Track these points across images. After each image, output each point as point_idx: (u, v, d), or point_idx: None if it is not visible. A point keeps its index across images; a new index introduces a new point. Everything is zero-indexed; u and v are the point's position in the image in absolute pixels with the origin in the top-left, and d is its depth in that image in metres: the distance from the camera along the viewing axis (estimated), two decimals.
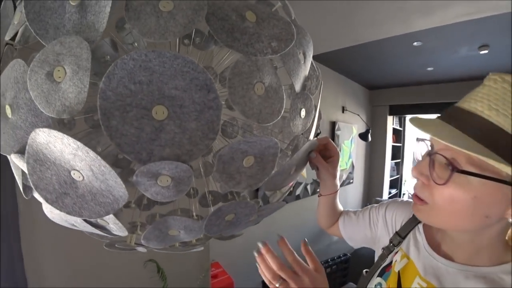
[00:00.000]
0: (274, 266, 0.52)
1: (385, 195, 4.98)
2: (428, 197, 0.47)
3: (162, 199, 0.39)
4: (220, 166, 0.41)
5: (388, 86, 4.64)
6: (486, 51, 2.60)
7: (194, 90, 0.34)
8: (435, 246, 0.57)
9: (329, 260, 2.43)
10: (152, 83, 0.32)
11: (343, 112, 3.95)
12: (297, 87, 0.48)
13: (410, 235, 0.64)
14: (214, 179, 0.61)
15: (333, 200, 0.87)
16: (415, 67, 3.39)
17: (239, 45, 0.37)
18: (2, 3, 0.45)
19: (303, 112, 0.49)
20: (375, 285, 0.66)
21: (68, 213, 0.37)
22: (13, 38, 0.43)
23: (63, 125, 0.62)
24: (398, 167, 5.42)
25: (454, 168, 0.42)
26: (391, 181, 5.19)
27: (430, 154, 0.47)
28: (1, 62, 0.43)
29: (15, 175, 0.45)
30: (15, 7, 0.43)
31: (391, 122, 4.98)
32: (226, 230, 0.51)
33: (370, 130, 3.73)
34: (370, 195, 4.91)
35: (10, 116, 0.37)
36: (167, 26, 0.34)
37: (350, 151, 4.18)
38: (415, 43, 2.55)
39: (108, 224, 0.43)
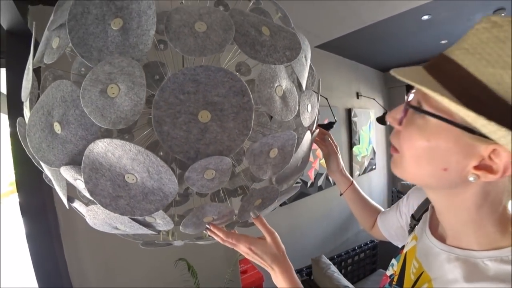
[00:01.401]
0: (219, 239, 0.60)
1: None
2: (398, 144, 0.45)
3: (207, 190, 0.46)
4: (251, 159, 0.47)
5: (402, 65, 4.41)
6: (503, 15, 2.46)
7: (232, 95, 0.40)
8: (434, 227, 0.56)
9: (356, 248, 2.40)
10: (199, 92, 0.38)
11: (358, 98, 3.88)
12: (304, 86, 0.55)
13: (423, 217, 0.63)
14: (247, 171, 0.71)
15: (356, 193, 0.91)
16: (427, 42, 3.26)
17: (261, 56, 0.44)
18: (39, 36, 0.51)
19: (309, 107, 0.56)
20: (389, 265, 0.68)
21: (122, 213, 0.43)
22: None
23: (122, 138, 0.69)
24: None
25: (407, 104, 0.42)
26: None
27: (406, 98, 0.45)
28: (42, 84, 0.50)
29: (57, 187, 0.48)
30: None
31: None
32: (248, 215, 0.58)
33: (387, 113, 3.64)
34: (395, 179, 4.77)
35: (59, 132, 0.40)
36: (205, 44, 0.40)
37: (370, 136, 4.10)
38: (424, 17, 2.46)
39: (155, 220, 0.48)
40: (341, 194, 0.92)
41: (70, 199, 0.51)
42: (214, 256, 1.75)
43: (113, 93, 0.38)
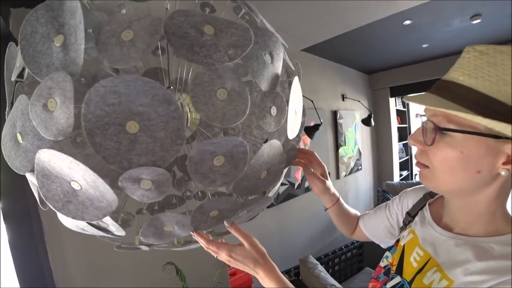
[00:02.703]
0: (203, 244, 0.60)
1: (396, 178, 4.95)
2: (427, 161, 0.52)
3: (147, 200, 0.45)
4: (192, 167, 0.44)
5: (386, 68, 4.62)
6: (479, 20, 2.57)
7: (157, 104, 0.38)
8: (438, 219, 0.62)
9: (343, 247, 2.45)
10: (122, 103, 0.37)
11: (343, 100, 3.95)
12: (264, 86, 0.50)
13: (419, 214, 0.68)
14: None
15: (340, 208, 0.91)
16: (409, 46, 3.37)
17: (199, 58, 0.42)
18: (7, 48, 0.51)
19: (273, 110, 0.52)
20: (383, 258, 0.72)
21: (73, 217, 0.44)
22: (20, 76, 0.49)
23: (76, 144, 0.68)
24: (406, 148, 5.38)
25: (436, 127, 0.48)
26: (400, 163, 5.16)
27: (422, 123, 0.52)
28: (14, 98, 0.50)
29: (33, 190, 0.51)
30: None
31: (394, 104, 4.95)
32: (216, 225, 0.56)
33: (372, 115, 3.72)
34: (381, 179, 4.89)
35: (21, 141, 0.44)
36: (129, 53, 0.40)
37: (355, 138, 4.18)
38: (406, 22, 2.55)
39: (108, 226, 0.48)
40: (326, 210, 0.92)
41: (43, 202, 0.51)
42: (202, 259, 1.75)
43: (52, 107, 0.39)
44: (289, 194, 2.84)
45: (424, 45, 3.37)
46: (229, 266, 2.08)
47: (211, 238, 0.60)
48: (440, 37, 3.08)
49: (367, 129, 4.61)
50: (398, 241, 0.71)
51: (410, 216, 0.71)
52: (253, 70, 0.48)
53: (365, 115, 3.97)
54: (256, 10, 0.59)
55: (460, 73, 0.47)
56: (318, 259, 2.28)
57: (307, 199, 3.09)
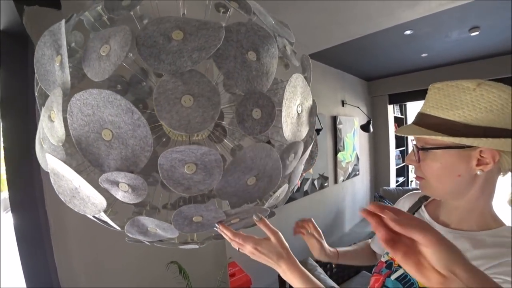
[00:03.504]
0: (227, 237, 0.62)
1: (393, 184, 5.01)
2: (421, 174, 0.65)
3: (128, 201, 0.49)
4: (164, 174, 0.45)
5: (385, 76, 4.70)
6: (477, 33, 2.65)
7: (122, 114, 0.41)
8: (435, 218, 0.72)
9: None
10: (95, 113, 0.41)
11: (343, 106, 4.02)
12: (242, 87, 0.48)
13: (415, 214, 0.78)
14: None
15: (347, 255, 0.95)
16: (409, 55, 3.44)
17: (164, 66, 0.42)
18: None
19: (256, 113, 0.49)
20: (383, 255, 0.80)
21: (78, 211, 0.50)
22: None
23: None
24: (403, 155, 5.45)
25: (418, 148, 0.63)
26: (397, 169, 5.22)
27: (413, 146, 0.66)
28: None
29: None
30: None
31: (392, 111, 5.02)
32: (203, 229, 0.57)
33: (371, 121, 3.78)
34: (377, 185, 4.95)
35: (43, 145, 0.51)
36: (104, 67, 0.43)
37: (354, 143, 4.24)
38: (406, 32, 2.61)
39: (107, 221, 0.54)
40: (338, 263, 0.97)
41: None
42: (204, 259, 1.78)
43: (53, 118, 0.45)
44: (289, 197, 2.88)
45: (423, 55, 3.44)
46: (229, 267, 2.12)
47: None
48: (439, 48, 3.16)
49: (365, 135, 4.67)
50: None
51: None
52: (228, 71, 0.47)
53: (364, 121, 4.03)
54: (249, 5, 0.55)
55: (427, 107, 0.63)
56: (317, 261, 2.32)
57: (305, 202, 3.13)
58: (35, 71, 0.50)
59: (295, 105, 0.54)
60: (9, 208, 1.16)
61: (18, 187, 1.17)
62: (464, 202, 0.63)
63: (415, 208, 0.79)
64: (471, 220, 0.63)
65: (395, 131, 0.68)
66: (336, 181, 3.79)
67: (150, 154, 0.43)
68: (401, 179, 5.35)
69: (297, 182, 0.73)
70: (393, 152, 5.05)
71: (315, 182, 3.34)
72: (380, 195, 4.23)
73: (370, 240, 1.00)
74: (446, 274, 0.34)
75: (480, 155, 0.57)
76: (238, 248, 0.64)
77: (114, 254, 1.42)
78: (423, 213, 0.76)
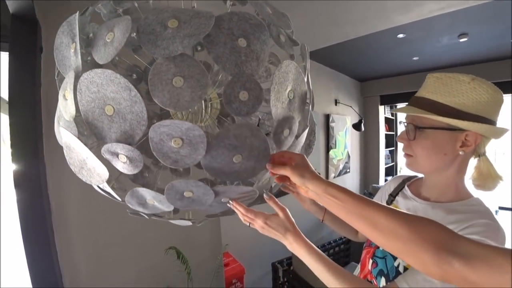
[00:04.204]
0: (239, 212, 0.68)
1: (382, 182, 5.14)
2: (411, 151, 0.75)
3: (127, 172, 0.53)
4: (154, 147, 0.49)
5: (378, 77, 4.82)
6: (465, 39, 2.77)
7: (122, 91, 0.45)
8: (417, 195, 0.82)
9: (331, 242, 2.60)
10: (100, 91, 0.46)
11: (336, 104, 4.12)
12: (231, 71, 0.51)
13: (400, 193, 0.88)
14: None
15: (333, 216, 0.99)
16: (401, 58, 3.56)
17: (159, 51, 0.46)
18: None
19: (243, 95, 0.52)
20: None
21: (85, 180, 0.56)
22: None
23: None
24: (392, 155, 5.60)
25: (416, 127, 0.71)
26: (386, 169, 5.36)
27: (405, 126, 0.76)
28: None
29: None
30: None
31: (383, 112, 5.16)
32: (194, 206, 0.60)
33: (362, 120, 3.90)
34: (367, 182, 5.08)
35: (60, 123, 0.56)
36: (108, 51, 0.48)
37: (345, 141, 4.35)
38: (399, 35, 2.71)
39: (110, 191, 0.59)
40: (322, 221, 1.02)
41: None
42: (200, 246, 1.84)
43: (67, 97, 0.50)
44: (281, 192, 2.96)
45: (414, 58, 3.56)
46: (224, 256, 2.20)
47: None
48: (430, 52, 3.28)
49: (356, 133, 4.78)
50: None
51: (392, 196, 0.90)
52: (217, 56, 0.50)
53: (355, 120, 4.14)
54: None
55: (426, 92, 0.71)
56: None
57: (294, 198, 3.22)
58: (55, 57, 0.56)
59: (285, 90, 0.57)
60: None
61: (21, 183, 1.20)
62: (443, 178, 0.73)
63: (399, 188, 0.90)
64: (448, 194, 0.74)
65: (394, 110, 0.78)
66: (327, 178, 3.87)
67: (145, 128, 0.48)
68: (389, 178, 5.47)
69: None
70: (383, 151, 5.19)
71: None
72: (369, 192, 4.36)
73: None
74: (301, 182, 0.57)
75: (465, 138, 0.67)
76: (249, 224, 0.69)
77: (114, 240, 1.47)
78: (406, 192, 0.86)
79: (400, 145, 0.79)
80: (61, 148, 0.57)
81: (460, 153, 0.69)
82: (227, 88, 0.51)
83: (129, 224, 1.48)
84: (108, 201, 1.43)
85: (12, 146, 1.17)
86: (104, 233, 1.44)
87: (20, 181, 1.19)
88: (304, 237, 0.69)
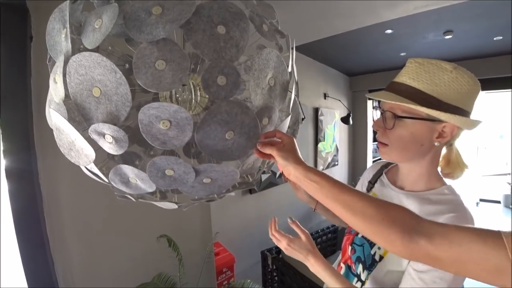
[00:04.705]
0: (270, 231, 0.74)
1: None
2: (387, 140, 0.72)
3: (113, 152, 0.55)
4: (144, 129, 0.51)
5: (366, 72, 4.89)
6: (450, 36, 2.86)
7: (108, 73, 0.47)
8: (393, 183, 0.83)
9: (319, 231, 2.68)
10: (87, 73, 0.48)
11: (325, 98, 4.18)
12: (209, 56, 0.53)
13: (378, 180, 0.90)
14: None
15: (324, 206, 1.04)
16: (389, 53, 3.62)
17: (143, 36, 0.48)
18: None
19: (221, 80, 0.54)
20: None
21: (74, 162, 0.57)
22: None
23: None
24: None
25: (395, 116, 0.68)
26: (374, 162, 5.47)
27: (382, 114, 0.72)
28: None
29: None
30: None
31: (371, 106, 5.26)
32: (175, 184, 0.60)
33: (351, 114, 3.98)
34: (355, 175, 5.20)
35: (50, 106, 0.57)
36: (96, 37, 0.50)
37: (334, 135, 4.43)
38: (387, 31, 2.77)
39: (97, 172, 0.61)
40: (314, 210, 1.05)
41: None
42: (191, 235, 1.88)
43: (57, 80, 0.52)
44: (270, 183, 3.02)
45: (402, 54, 3.63)
46: (214, 246, 2.24)
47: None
48: (416, 48, 3.36)
49: (345, 127, 4.87)
50: None
51: (371, 183, 0.92)
52: (196, 42, 0.52)
53: (344, 114, 4.21)
54: None
55: (407, 78, 0.67)
56: None
57: (287, 188, 3.23)
58: (46, 42, 0.57)
59: (265, 77, 0.59)
60: None
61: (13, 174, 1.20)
62: (417, 168, 0.74)
63: (378, 175, 0.92)
64: (421, 183, 0.74)
65: (368, 95, 0.74)
66: None
67: (129, 109, 0.50)
68: None
69: None
70: (371, 145, 5.30)
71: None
72: (356, 184, 4.46)
73: None
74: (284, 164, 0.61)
75: (442, 129, 0.66)
76: (276, 243, 0.75)
77: (106, 228, 1.48)
78: (384, 179, 0.87)
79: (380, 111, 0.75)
80: (52, 137, 0.58)
81: (436, 144, 0.68)
82: (205, 73, 0.53)
83: (121, 213, 1.51)
84: (100, 190, 1.44)
85: (3, 136, 1.17)
86: (97, 222, 1.45)
87: (12, 172, 1.20)
88: (324, 259, 0.73)
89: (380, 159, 0.85)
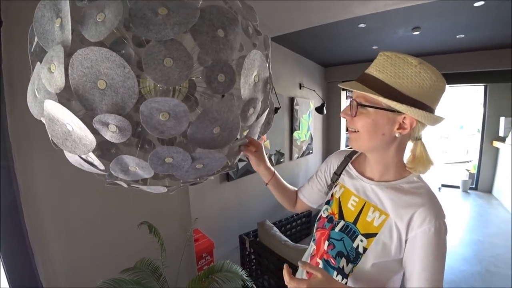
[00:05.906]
0: (286, 279, 0.68)
1: None
2: (354, 127, 0.74)
3: (116, 140, 0.56)
4: (144, 119, 0.53)
5: (340, 64, 5.04)
6: (418, 32, 3.03)
7: (116, 68, 0.49)
8: (362, 173, 0.85)
9: (294, 215, 2.82)
10: (93, 66, 0.49)
11: (300, 88, 4.26)
12: (212, 56, 0.58)
13: (344, 172, 0.91)
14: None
15: (278, 182, 1.06)
16: (362, 46, 3.78)
17: (151, 34, 0.51)
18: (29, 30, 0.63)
19: (221, 77, 0.60)
20: (323, 210, 0.91)
21: (69, 151, 0.59)
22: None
23: None
24: None
25: (357, 104, 0.71)
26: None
27: (350, 102, 0.75)
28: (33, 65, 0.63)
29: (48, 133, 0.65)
30: None
31: (345, 97, 5.43)
32: (172, 170, 0.63)
33: (325, 104, 4.11)
34: None
35: (37, 95, 0.58)
36: (100, 30, 0.51)
37: (309, 124, 4.55)
38: (360, 25, 2.89)
39: (93, 160, 0.63)
40: (266, 184, 1.07)
41: (54, 143, 0.61)
42: (170, 220, 1.91)
43: (53, 70, 0.51)
44: (247, 170, 3.07)
45: (374, 47, 3.80)
46: (194, 233, 2.29)
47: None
48: (387, 42, 3.52)
49: (319, 117, 5.02)
50: (332, 195, 0.89)
51: (337, 174, 0.93)
52: (201, 43, 0.56)
53: (318, 104, 4.32)
54: None
55: (374, 70, 0.70)
56: (273, 223, 2.60)
57: (260, 178, 3.36)
58: (34, 29, 0.56)
59: (252, 75, 0.64)
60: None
61: None
62: (384, 157, 0.76)
63: (343, 166, 0.92)
64: (390, 173, 0.77)
65: (340, 84, 0.79)
66: (291, 158, 4.08)
67: (135, 101, 0.52)
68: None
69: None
70: (344, 134, 5.49)
71: (272, 158, 3.58)
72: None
73: (299, 190, 1.10)
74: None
75: (402, 121, 0.69)
76: None
77: (85, 216, 1.46)
78: (351, 170, 0.88)
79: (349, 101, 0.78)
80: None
81: (396, 135, 0.70)
82: (208, 71, 0.59)
83: (100, 201, 1.50)
84: (78, 179, 1.43)
85: None
86: (76, 211, 1.43)
87: None
88: (343, 284, 0.73)
89: (350, 148, 0.91)
